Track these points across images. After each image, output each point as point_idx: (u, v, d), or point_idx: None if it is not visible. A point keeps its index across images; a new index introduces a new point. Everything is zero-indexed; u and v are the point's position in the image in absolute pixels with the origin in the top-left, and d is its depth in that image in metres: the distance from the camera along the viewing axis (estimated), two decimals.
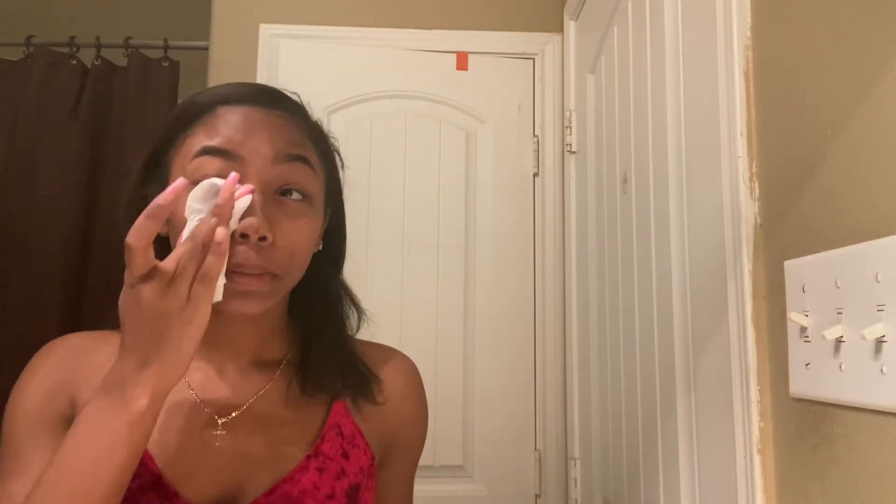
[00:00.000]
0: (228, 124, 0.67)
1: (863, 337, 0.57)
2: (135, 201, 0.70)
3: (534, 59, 1.93)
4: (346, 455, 0.73)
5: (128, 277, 0.56)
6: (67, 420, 0.68)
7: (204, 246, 0.57)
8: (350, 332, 0.83)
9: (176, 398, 0.70)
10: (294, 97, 0.76)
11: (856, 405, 0.61)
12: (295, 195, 0.68)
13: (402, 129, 1.87)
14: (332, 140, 0.80)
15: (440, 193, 1.85)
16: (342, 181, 0.81)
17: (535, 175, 1.89)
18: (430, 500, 1.72)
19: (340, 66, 1.86)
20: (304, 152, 0.70)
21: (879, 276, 0.57)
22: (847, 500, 0.62)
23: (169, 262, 0.57)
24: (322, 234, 0.76)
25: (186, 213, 0.60)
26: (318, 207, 0.73)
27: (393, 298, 1.78)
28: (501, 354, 1.80)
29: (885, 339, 0.56)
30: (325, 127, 0.79)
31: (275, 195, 0.67)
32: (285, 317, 0.79)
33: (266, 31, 1.87)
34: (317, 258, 0.75)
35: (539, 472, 1.77)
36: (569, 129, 1.76)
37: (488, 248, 1.84)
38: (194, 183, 0.63)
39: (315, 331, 0.79)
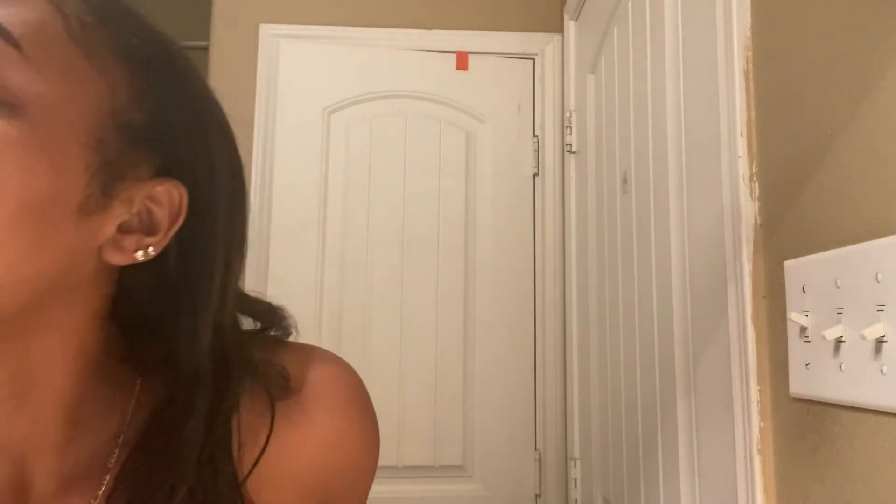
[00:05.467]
0: None
1: (863, 337, 0.57)
2: None
3: (534, 59, 1.93)
4: None
5: None
6: None
7: None
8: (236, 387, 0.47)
9: None
10: None
11: (856, 405, 0.61)
12: None
13: (402, 129, 1.86)
14: (185, 67, 0.46)
15: (440, 193, 1.85)
16: (221, 155, 0.46)
17: (535, 175, 1.89)
18: (430, 500, 1.72)
19: (340, 66, 1.86)
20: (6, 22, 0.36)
21: (879, 276, 0.57)
22: (847, 500, 0.62)
23: None
24: (161, 230, 0.42)
25: None
26: (51, 132, 0.37)
27: (393, 298, 1.78)
28: (501, 354, 1.80)
29: (885, 339, 0.56)
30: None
31: None
32: (101, 386, 0.45)
33: (266, 31, 1.87)
34: (154, 276, 0.45)
35: (539, 472, 1.77)
36: (569, 129, 1.76)
37: (488, 248, 1.84)
38: None
39: (166, 412, 0.45)
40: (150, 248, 0.42)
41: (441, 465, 1.73)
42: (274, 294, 1.73)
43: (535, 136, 1.90)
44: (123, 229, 0.41)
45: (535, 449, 1.78)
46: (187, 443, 0.43)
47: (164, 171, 0.42)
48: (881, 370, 0.57)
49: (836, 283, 0.63)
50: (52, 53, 0.37)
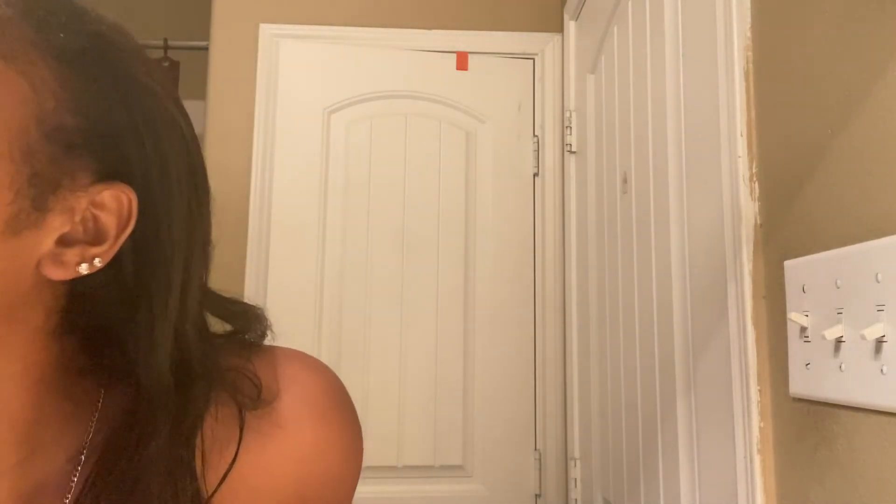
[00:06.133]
0: None
1: (863, 337, 0.57)
2: None
3: (534, 59, 1.93)
4: None
5: None
6: None
7: None
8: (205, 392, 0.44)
9: None
10: None
11: (856, 405, 0.61)
12: None
13: (402, 129, 1.86)
14: (120, 49, 0.41)
15: (440, 193, 1.85)
16: (175, 143, 0.42)
17: (535, 175, 1.89)
18: (430, 500, 1.72)
19: (340, 66, 1.86)
20: None
21: (879, 276, 0.57)
22: (847, 500, 0.62)
23: None
24: (107, 239, 0.39)
25: None
26: None
27: (393, 298, 1.78)
28: (501, 354, 1.80)
29: (885, 339, 0.56)
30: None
31: None
32: (59, 386, 0.42)
33: (266, 31, 1.87)
34: (109, 284, 0.41)
35: (539, 472, 1.76)
36: (569, 129, 1.76)
37: (488, 248, 1.84)
38: None
39: (126, 431, 0.41)
40: (97, 259, 0.38)
41: (441, 465, 1.73)
42: (274, 294, 1.75)
43: (535, 136, 1.90)
44: (64, 242, 0.38)
45: (535, 449, 1.78)
46: (149, 464, 0.40)
47: (109, 175, 0.39)
48: (881, 370, 0.57)
49: (836, 283, 0.63)
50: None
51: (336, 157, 1.82)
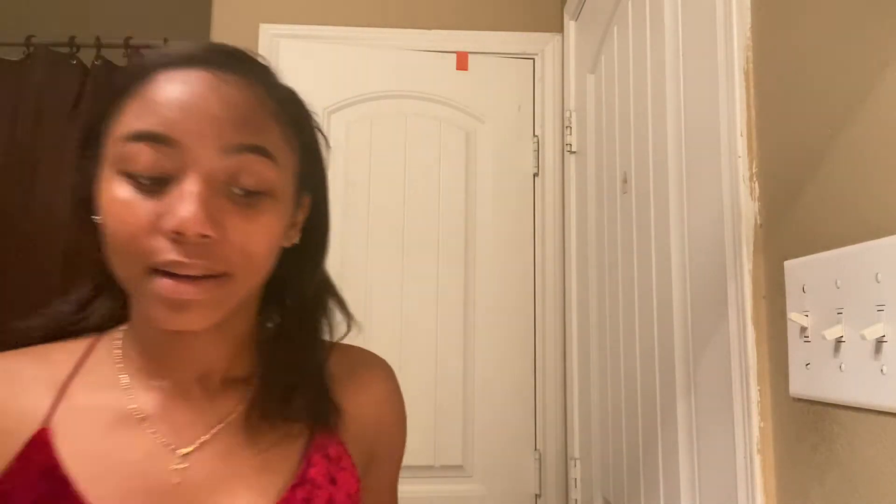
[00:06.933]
0: (165, 97, 0.54)
1: (863, 337, 0.57)
2: (75, 186, 0.62)
3: (534, 59, 1.93)
4: (333, 480, 0.63)
5: None
6: None
7: None
8: (330, 338, 0.71)
9: (119, 426, 0.59)
10: (260, 59, 0.62)
11: (856, 405, 0.61)
12: (250, 189, 0.56)
13: (402, 129, 1.86)
14: (308, 111, 0.66)
15: (440, 193, 1.84)
16: (325, 161, 0.68)
17: (535, 175, 1.89)
18: (430, 500, 1.72)
19: (340, 66, 1.86)
20: (261, 139, 0.56)
21: (879, 276, 0.57)
22: (847, 501, 0.62)
23: None
24: (298, 224, 0.65)
25: None
26: (284, 200, 0.60)
27: (393, 298, 1.78)
28: (501, 354, 1.80)
29: (885, 339, 0.56)
30: (312, 111, 0.67)
31: (225, 186, 0.55)
32: (255, 323, 0.67)
33: (266, 31, 1.87)
34: (289, 253, 0.64)
35: (539, 472, 1.76)
36: (569, 129, 1.76)
37: (488, 248, 1.84)
38: (125, 174, 0.53)
39: (282, 337, 0.67)
40: (294, 238, 0.65)
41: (441, 465, 1.73)
42: None
43: (535, 136, 1.90)
44: (286, 229, 0.62)
45: (535, 449, 1.78)
46: (303, 351, 0.67)
47: (303, 189, 0.64)
48: (881, 370, 0.57)
49: (836, 283, 0.63)
50: (281, 155, 0.59)
51: (336, 157, 1.82)
